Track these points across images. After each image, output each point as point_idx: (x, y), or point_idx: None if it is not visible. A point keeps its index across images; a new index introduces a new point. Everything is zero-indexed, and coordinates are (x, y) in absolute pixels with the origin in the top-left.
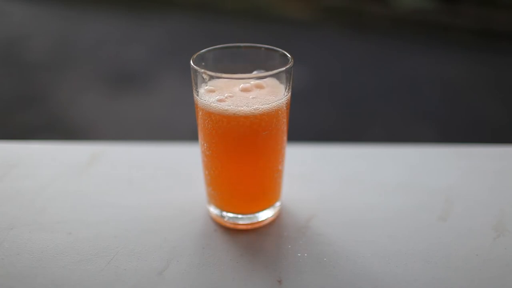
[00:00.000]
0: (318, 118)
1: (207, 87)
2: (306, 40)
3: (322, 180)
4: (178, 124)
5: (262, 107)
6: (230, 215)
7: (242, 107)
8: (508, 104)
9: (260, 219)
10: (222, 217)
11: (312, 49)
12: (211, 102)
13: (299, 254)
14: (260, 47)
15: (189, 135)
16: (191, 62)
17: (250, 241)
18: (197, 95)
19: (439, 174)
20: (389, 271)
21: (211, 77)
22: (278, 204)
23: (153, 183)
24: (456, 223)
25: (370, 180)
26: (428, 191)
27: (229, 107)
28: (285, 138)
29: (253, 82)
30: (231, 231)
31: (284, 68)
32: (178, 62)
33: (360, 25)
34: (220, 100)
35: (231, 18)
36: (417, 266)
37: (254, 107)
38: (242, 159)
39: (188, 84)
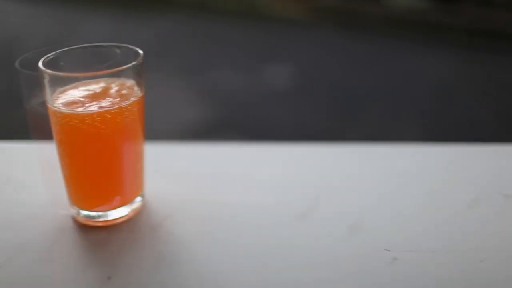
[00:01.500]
0: (301, 118)
1: (52, 87)
2: (299, 40)
3: (188, 178)
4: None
5: (108, 106)
6: (85, 212)
7: (85, 107)
8: (499, 103)
9: (112, 217)
10: (78, 214)
11: (304, 49)
12: (56, 103)
13: (141, 252)
14: (109, 45)
15: (165, 135)
16: (40, 64)
17: (99, 238)
18: (46, 96)
19: (311, 172)
20: (236, 269)
21: (55, 77)
22: (136, 202)
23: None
24: (315, 221)
25: (244, 176)
26: (298, 188)
27: (72, 108)
28: (139, 136)
29: (101, 80)
30: (85, 228)
31: (129, 65)
32: (164, 63)
33: (354, 25)
34: (66, 101)
35: (224, 18)
36: (271, 264)
37: (99, 106)
38: (91, 158)
39: (169, 85)
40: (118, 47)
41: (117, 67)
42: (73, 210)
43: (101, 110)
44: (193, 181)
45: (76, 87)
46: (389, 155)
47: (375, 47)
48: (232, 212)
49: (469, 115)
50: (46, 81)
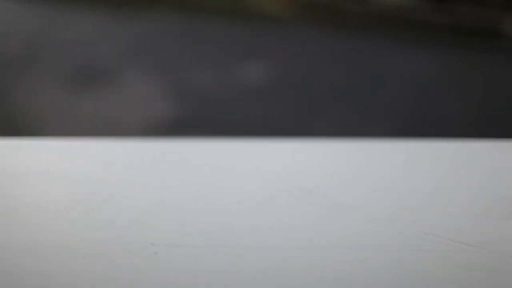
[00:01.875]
0: (271, 114)
1: None
2: (281, 37)
3: None
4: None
5: None
6: None
7: None
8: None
9: None
10: None
11: (285, 45)
12: None
13: None
14: None
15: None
16: None
17: None
18: None
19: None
20: None
21: None
22: None
23: None
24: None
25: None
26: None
27: None
28: None
29: None
30: None
31: None
32: (146, 61)
33: (339, 22)
34: None
35: (209, 15)
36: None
37: None
38: None
39: (149, 82)
40: None
41: None
42: None
43: None
44: None
45: None
46: None
47: (360, 45)
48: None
49: (441, 113)
50: None
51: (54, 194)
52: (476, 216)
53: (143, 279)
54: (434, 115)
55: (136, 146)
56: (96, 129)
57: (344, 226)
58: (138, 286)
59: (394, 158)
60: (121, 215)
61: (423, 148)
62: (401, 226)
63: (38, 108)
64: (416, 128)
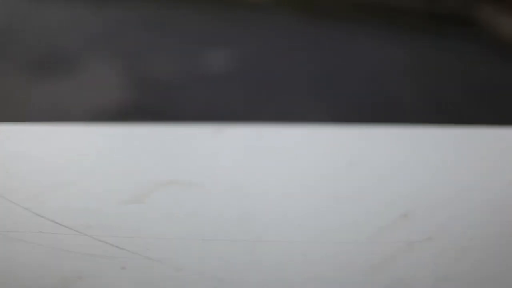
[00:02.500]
0: (228, 100)
1: None
2: (249, 25)
3: None
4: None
5: None
6: None
7: None
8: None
9: None
10: None
11: (252, 34)
12: None
13: None
14: None
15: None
16: None
17: None
18: None
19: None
20: None
21: None
22: None
23: None
24: None
25: None
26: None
27: None
28: None
29: None
30: None
31: None
32: (109, 48)
33: (311, 9)
34: None
35: (181, 2)
36: None
37: None
38: None
39: (110, 69)
40: None
41: None
42: None
43: None
44: None
45: None
46: None
47: (332, 32)
48: None
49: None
50: None
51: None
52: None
53: None
54: (392, 102)
55: (90, 132)
56: (53, 115)
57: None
58: None
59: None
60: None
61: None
62: None
63: None
64: (371, 114)
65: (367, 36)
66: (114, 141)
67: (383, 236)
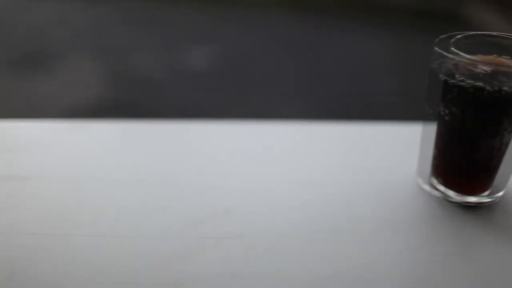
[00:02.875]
0: (202, 97)
1: None
2: (235, 20)
3: None
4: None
5: None
6: None
7: None
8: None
9: None
10: None
11: (238, 29)
12: None
13: None
14: None
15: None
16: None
17: None
18: None
19: None
20: None
21: None
22: None
23: None
24: None
25: None
26: None
27: None
28: None
29: None
30: None
31: None
32: (92, 45)
33: (301, 6)
34: None
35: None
36: None
37: None
38: None
39: (91, 66)
40: None
41: None
42: None
43: None
44: None
45: None
46: None
47: (315, 28)
48: None
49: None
50: None
51: None
52: None
53: None
54: (373, 98)
55: (67, 127)
56: (32, 110)
57: None
58: None
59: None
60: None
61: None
62: None
63: None
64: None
65: (356, 33)
66: None
67: (193, 231)
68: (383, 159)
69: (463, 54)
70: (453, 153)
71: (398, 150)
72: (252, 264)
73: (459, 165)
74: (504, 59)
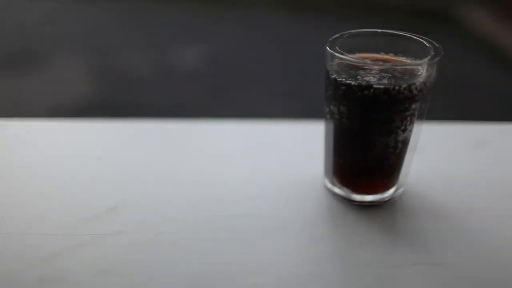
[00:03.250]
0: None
1: None
2: (221, 20)
3: None
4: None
5: None
6: None
7: None
8: None
9: None
10: None
11: (225, 29)
12: None
13: None
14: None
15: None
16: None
17: None
18: None
19: None
20: None
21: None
22: None
23: None
24: None
25: None
26: None
27: None
28: None
29: None
30: None
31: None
32: (81, 44)
33: (291, 4)
34: None
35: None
36: None
37: None
38: None
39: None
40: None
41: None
42: None
43: None
44: None
45: None
46: None
47: (306, 26)
48: None
49: None
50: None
51: None
52: None
53: None
54: None
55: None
56: (19, 109)
57: None
58: None
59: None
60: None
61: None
62: None
63: None
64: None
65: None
66: None
67: (80, 228)
68: (295, 158)
69: (345, 53)
70: (345, 153)
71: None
72: (131, 261)
73: (352, 165)
74: (392, 57)
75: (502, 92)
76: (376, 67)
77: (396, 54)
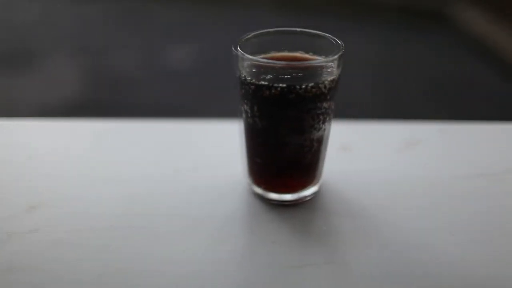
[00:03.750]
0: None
1: None
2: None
3: None
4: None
5: None
6: None
7: None
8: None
9: None
10: None
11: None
12: None
13: None
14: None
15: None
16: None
17: None
18: None
19: None
20: None
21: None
22: None
23: None
24: None
25: None
26: None
27: None
28: None
29: None
30: None
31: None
32: (72, 43)
33: (282, 3)
34: None
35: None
36: None
37: None
38: None
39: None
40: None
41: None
42: None
43: None
44: None
45: None
46: None
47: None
48: None
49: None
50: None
51: None
52: None
53: None
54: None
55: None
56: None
57: None
58: None
59: None
60: None
61: None
62: None
63: None
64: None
65: (335, 29)
66: None
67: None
68: (223, 157)
69: (252, 54)
70: (260, 152)
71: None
72: (45, 258)
73: (267, 164)
74: (297, 55)
75: (497, 92)
76: (283, 66)
77: (308, 52)
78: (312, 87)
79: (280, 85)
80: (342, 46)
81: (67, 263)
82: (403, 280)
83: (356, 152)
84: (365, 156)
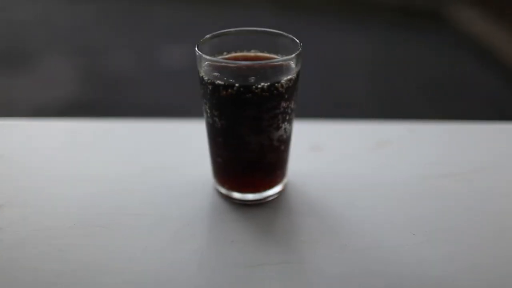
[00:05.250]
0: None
1: None
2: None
3: None
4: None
5: None
6: None
7: None
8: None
9: None
10: None
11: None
12: None
13: None
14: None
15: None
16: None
17: None
18: None
19: None
20: None
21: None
22: None
23: None
24: None
25: None
26: None
27: None
28: None
29: None
30: None
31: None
32: (68, 43)
33: (280, 2)
34: None
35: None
36: None
37: None
38: None
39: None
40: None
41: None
42: None
43: None
44: None
45: None
46: None
47: (296, 24)
48: None
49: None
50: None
51: None
52: None
53: None
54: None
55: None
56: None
57: None
58: None
59: None
60: None
61: None
62: None
63: None
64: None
65: (335, 29)
66: None
67: None
68: (196, 156)
69: (211, 54)
70: (222, 152)
71: None
72: (7, 258)
73: (229, 163)
74: (258, 54)
75: (496, 93)
76: (238, 66)
77: (270, 52)
78: (268, 86)
79: (236, 84)
80: (300, 45)
81: (29, 262)
82: (362, 280)
83: (327, 152)
84: (335, 156)
